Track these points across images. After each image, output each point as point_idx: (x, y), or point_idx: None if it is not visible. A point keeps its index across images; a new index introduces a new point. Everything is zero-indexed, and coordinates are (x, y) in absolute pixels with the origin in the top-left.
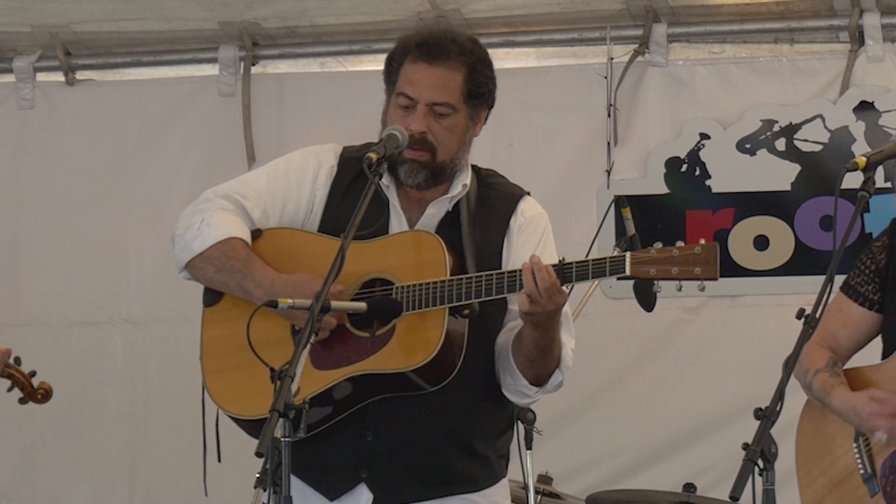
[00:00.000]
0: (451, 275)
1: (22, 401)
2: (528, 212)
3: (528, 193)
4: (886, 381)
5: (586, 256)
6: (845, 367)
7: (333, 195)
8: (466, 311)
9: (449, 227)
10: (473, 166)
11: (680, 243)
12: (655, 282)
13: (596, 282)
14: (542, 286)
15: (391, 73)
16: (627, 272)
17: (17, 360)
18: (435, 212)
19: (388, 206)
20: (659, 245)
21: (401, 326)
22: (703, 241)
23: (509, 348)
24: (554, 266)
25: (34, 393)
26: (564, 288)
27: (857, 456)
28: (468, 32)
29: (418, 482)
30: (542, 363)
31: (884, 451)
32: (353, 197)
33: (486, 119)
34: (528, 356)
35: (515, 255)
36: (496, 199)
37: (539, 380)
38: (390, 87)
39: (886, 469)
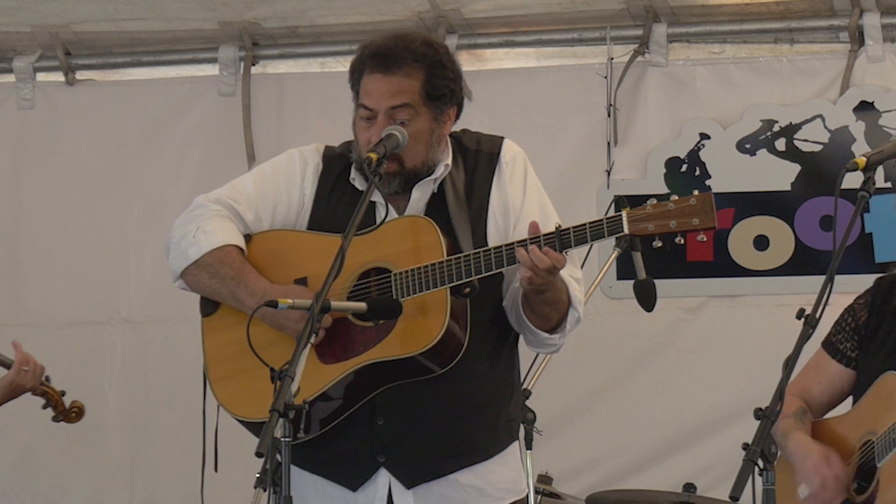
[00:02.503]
0: (447, 255)
1: (55, 419)
2: (506, 155)
3: (503, 139)
4: (847, 429)
5: (586, 256)
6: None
7: (321, 193)
8: (467, 290)
9: (437, 207)
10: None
11: (675, 197)
12: (654, 240)
13: (596, 281)
14: (541, 267)
15: (354, 84)
16: (626, 230)
17: (47, 378)
18: (420, 195)
19: (372, 202)
20: (654, 201)
21: (404, 312)
22: (696, 192)
23: (521, 311)
24: (551, 233)
25: (67, 412)
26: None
27: None
28: (430, 35)
29: (435, 457)
30: (555, 312)
31: (834, 502)
32: (340, 193)
33: (458, 114)
34: (541, 314)
35: (511, 200)
36: (477, 163)
37: (558, 325)
38: (355, 98)
39: None
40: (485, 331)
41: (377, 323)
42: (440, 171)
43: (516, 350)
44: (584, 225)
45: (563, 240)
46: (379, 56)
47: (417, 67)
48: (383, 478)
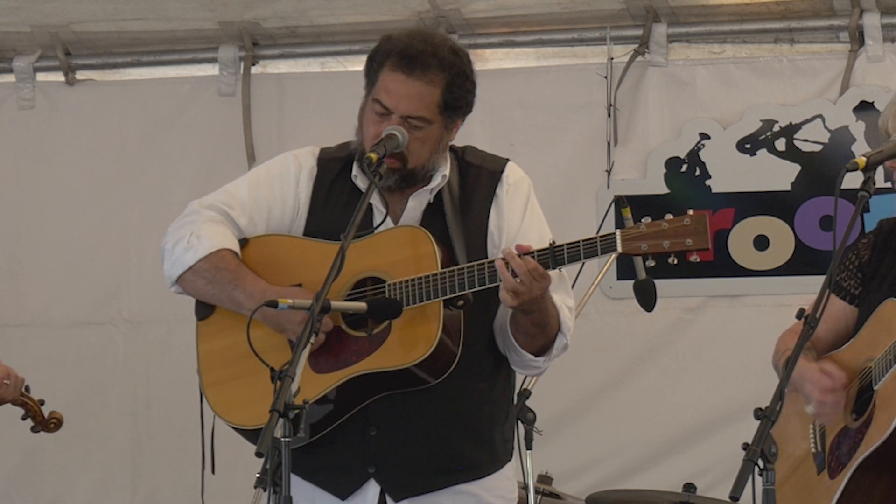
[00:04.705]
0: (442, 266)
1: (34, 429)
2: (511, 177)
3: (508, 160)
4: (847, 360)
5: None
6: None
7: (316, 197)
8: (461, 302)
9: (433, 217)
10: (451, 147)
11: (669, 216)
12: (647, 260)
13: (596, 281)
14: (520, 272)
15: (370, 73)
16: (619, 249)
17: (27, 388)
18: (416, 204)
19: (370, 205)
20: (648, 220)
21: (397, 323)
22: (691, 212)
23: (508, 329)
24: (544, 249)
25: (46, 422)
26: (562, 271)
27: (812, 436)
28: (453, 40)
29: (426, 472)
30: (543, 336)
31: (834, 429)
32: (336, 197)
33: (461, 123)
34: (527, 334)
35: (508, 221)
36: (478, 179)
37: (544, 349)
38: (368, 87)
39: (834, 446)
40: (484, 350)
41: (370, 333)
42: (437, 181)
43: (514, 370)
44: (578, 242)
45: (556, 256)
46: (405, 56)
47: (440, 76)
48: (373, 488)
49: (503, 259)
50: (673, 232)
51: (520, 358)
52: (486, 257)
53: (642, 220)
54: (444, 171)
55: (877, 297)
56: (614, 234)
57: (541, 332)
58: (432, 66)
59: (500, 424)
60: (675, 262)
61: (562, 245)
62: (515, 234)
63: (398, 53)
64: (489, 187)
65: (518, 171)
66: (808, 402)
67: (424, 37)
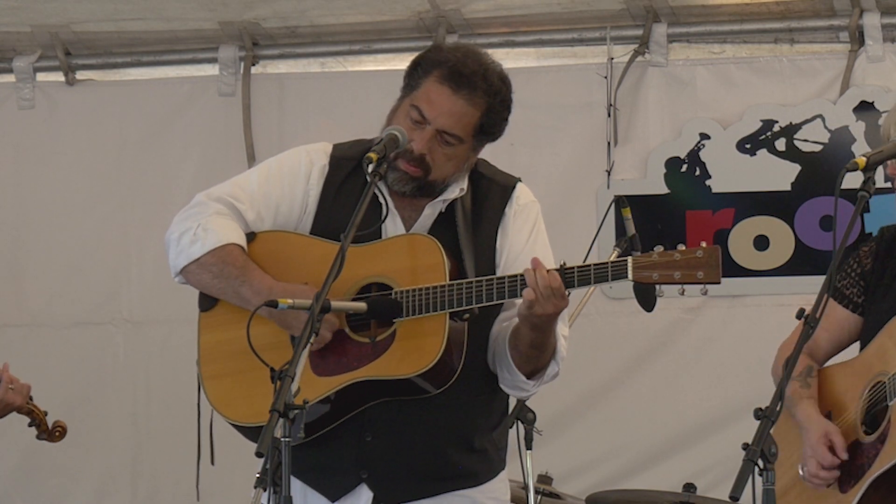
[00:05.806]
0: (449, 278)
1: (39, 437)
2: (521, 199)
3: (520, 180)
4: (855, 373)
5: (586, 257)
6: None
7: (326, 195)
8: (466, 316)
9: (443, 227)
10: None
11: (681, 246)
12: (657, 290)
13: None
14: (542, 285)
15: (413, 77)
16: (630, 277)
17: (30, 398)
18: (431, 212)
19: (381, 206)
20: (660, 248)
21: (401, 332)
22: (704, 244)
23: (506, 346)
24: (555, 270)
25: (52, 431)
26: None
27: None
28: (501, 66)
29: (419, 480)
30: (538, 359)
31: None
32: (346, 196)
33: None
34: (524, 353)
35: (511, 242)
36: (489, 192)
37: (535, 373)
38: (407, 90)
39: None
40: (485, 363)
41: (374, 340)
42: (455, 193)
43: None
44: (589, 266)
45: (566, 278)
46: (456, 72)
47: (484, 100)
48: (366, 494)
49: (532, 270)
50: (685, 263)
51: (511, 377)
52: (495, 272)
53: (654, 249)
54: (462, 185)
55: (882, 306)
56: (626, 261)
57: (537, 354)
58: (479, 89)
59: (491, 433)
60: (684, 292)
61: (572, 268)
62: (517, 256)
63: (449, 67)
64: (500, 203)
65: (529, 193)
66: (801, 464)
67: (477, 57)
